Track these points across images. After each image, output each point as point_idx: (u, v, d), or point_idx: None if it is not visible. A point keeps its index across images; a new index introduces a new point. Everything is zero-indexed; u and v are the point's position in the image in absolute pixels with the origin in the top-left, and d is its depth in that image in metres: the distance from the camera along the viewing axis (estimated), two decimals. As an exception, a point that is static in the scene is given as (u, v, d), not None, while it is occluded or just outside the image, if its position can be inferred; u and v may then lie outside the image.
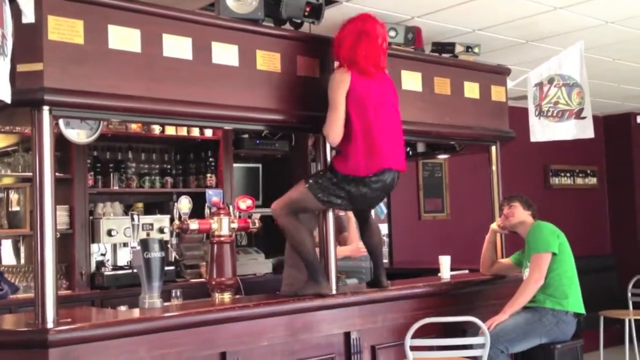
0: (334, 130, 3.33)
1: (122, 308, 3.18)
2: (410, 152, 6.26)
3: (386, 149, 3.38)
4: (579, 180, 8.42)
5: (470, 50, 4.43)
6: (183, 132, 5.17)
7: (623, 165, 8.61)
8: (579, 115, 4.74)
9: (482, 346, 3.21)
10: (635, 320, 4.93)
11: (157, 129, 5.05)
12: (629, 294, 5.14)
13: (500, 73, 4.60)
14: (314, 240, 3.50)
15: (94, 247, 4.77)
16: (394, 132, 3.44)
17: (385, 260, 6.56)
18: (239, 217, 3.51)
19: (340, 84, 3.32)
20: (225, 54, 3.26)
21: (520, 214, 4.06)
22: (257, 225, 3.56)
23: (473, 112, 4.37)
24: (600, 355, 5.00)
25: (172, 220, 4.12)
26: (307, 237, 3.42)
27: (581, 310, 3.88)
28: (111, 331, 2.74)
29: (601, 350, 4.97)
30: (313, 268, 3.42)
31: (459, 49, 4.40)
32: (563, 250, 3.89)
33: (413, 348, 3.14)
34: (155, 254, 3.06)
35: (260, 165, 5.97)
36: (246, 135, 5.60)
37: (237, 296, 3.51)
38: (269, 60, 3.43)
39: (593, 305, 5.22)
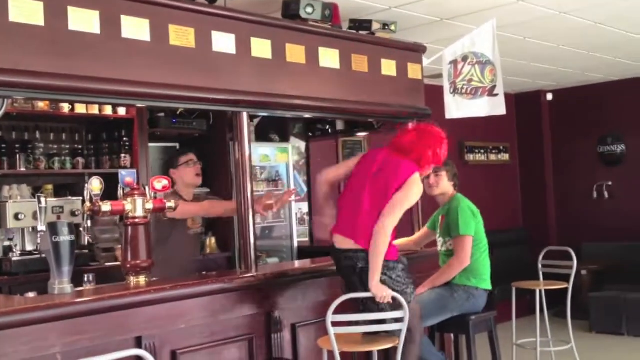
0: None
1: (31, 294, 3.04)
2: (330, 130, 6.30)
3: (345, 217, 3.40)
4: (493, 157, 8.68)
5: (387, 27, 4.44)
6: (94, 110, 4.98)
7: (534, 142, 8.93)
8: (491, 92, 4.85)
9: (401, 320, 3.26)
10: (546, 291, 5.13)
11: (66, 107, 4.84)
12: (540, 265, 5.34)
13: (416, 51, 4.65)
14: None
15: (0, 232, 4.55)
16: (369, 203, 3.33)
17: (306, 239, 6.58)
18: (155, 197, 3.41)
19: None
20: (135, 28, 3.14)
21: (445, 185, 4.13)
22: (173, 205, 3.47)
23: (390, 89, 4.40)
24: (512, 325, 5.18)
25: (84, 202, 3.98)
26: None
27: (489, 287, 4.05)
28: (19, 319, 2.62)
29: (514, 321, 5.15)
30: None
31: (375, 26, 4.40)
32: (478, 230, 4.02)
33: (334, 324, 3.15)
34: (65, 237, 2.94)
35: (177, 145, 5.83)
36: (162, 114, 5.46)
37: (154, 279, 3.42)
38: (182, 36, 3.33)
39: (506, 277, 5.42)
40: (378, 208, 3.29)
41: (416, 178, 3.36)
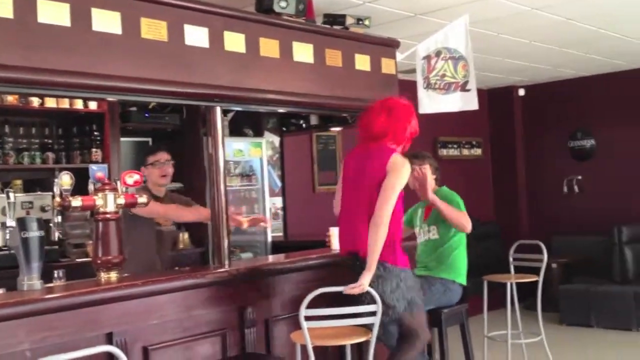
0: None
1: (0, 291, 2.99)
2: (304, 125, 6.30)
3: (343, 231, 3.44)
4: (465, 152, 8.75)
5: (360, 22, 4.44)
6: (65, 104, 4.91)
7: (506, 137, 9.02)
8: (464, 87, 4.89)
9: (373, 314, 3.27)
10: (516, 284, 5.18)
11: (36, 101, 4.77)
12: (510, 259, 5.40)
13: (389, 46, 4.65)
14: None
15: (-32, 228, 4.46)
16: (356, 208, 3.32)
17: (280, 233, 6.58)
18: (126, 192, 3.38)
19: None
20: (106, 21, 3.10)
21: (429, 179, 4.14)
22: (145, 201, 3.44)
23: (364, 84, 4.40)
24: (484, 318, 5.23)
25: (53, 197, 3.93)
26: None
27: (465, 282, 4.10)
28: (-14, 316, 2.58)
29: (485, 314, 5.20)
30: None
31: (349, 21, 4.40)
32: None
33: (307, 318, 3.15)
34: (34, 233, 2.89)
35: (150, 140, 5.79)
36: (134, 108, 5.40)
37: (126, 274, 3.39)
38: (154, 29, 3.29)
39: (479, 270, 5.46)
40: (368, 212, 3.25)
41: (397, 158, 3.31)
